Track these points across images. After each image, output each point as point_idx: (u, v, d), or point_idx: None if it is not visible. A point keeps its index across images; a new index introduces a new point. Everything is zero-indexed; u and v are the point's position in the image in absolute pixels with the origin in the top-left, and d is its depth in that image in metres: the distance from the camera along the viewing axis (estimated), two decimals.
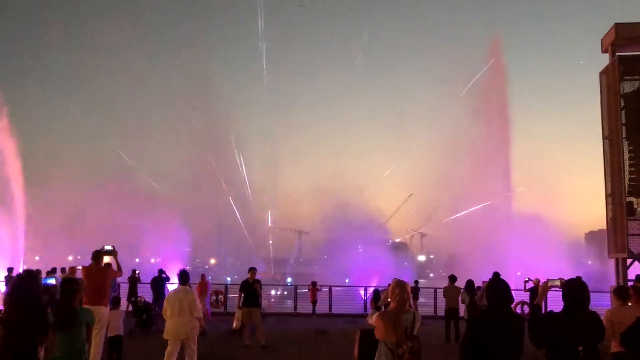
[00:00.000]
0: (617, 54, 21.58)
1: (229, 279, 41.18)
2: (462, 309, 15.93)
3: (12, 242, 31.91)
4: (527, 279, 19.42)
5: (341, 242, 50.01)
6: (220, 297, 24.45)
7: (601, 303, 14.57)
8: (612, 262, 21.76)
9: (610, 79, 21.46)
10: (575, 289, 4.95)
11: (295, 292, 25.22)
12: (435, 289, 22.77)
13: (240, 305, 14.29)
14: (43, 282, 13.33)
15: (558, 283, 5.37)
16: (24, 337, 5.62)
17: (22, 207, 34.46)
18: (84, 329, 5.96)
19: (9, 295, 6.14)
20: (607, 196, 21.49)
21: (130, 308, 18.87)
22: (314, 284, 24.77)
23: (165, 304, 9.86)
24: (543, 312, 5.34)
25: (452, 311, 15.93)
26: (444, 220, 52.67)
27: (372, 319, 5.75)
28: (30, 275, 6.34)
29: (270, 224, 65.44)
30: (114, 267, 10.70)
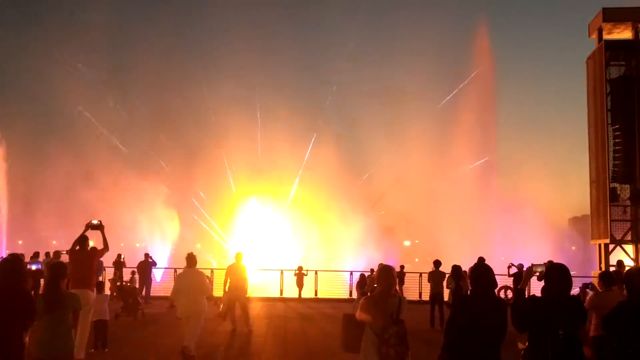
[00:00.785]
0: (604, 39, 21.65)
1: (214, 262, 41.18)
2: (447, 294, 16.06)
3: None
4: (510, 264, 19.61)
5: (328, 225, 50.16)
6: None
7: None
8: (594, 247, 22.05)
9: (596, 64, 21.58)
10: (557, 274, 4.99)
11: (282, 277, 25.27)
12: (421, 274, 22.92)
13: (227, 289, 14.29)
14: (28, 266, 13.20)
15: (543, 268, 5.41)
16: (9, 322, 5.57)
17: (4, 191, 34.09)
18: (70, 313, 5.92)
19: None
20: (591, 182, 21.71)
21: (116, 293, 18.80)
22: (300, 268, 24.83)
23: (175, 284, 10.47)
24: (526, 296, 5.39)
25: (437, 296, 16.05)
26: (430, 206, 52.95)
27: (359, 304, 5.78)
28: (15, 259, 6.27)
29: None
30: (101, 241, 10.46)
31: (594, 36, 22.10)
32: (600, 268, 20.01)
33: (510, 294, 21.23)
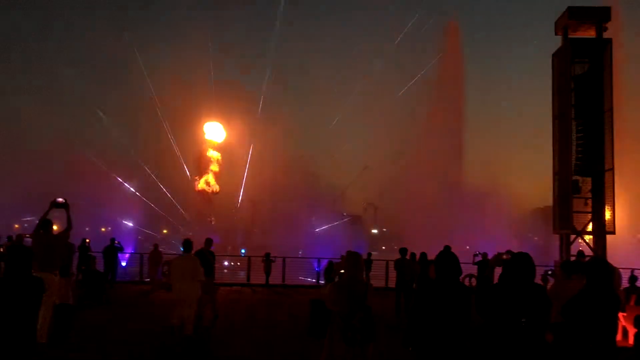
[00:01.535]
0: (569, 36, 22.07)
1: (182, 248, 40.87)
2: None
3: None
4: (476, 253, 19.94)
5: (295, 213, 50.21)
6: None
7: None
8: (556, 237, 22.57)
9: (561, 61, 21.97)
10: (521, 263, 5.12)
11: (249, 263, 25.25)
12: (387, 261, 23.17)
13: None
14: None
15: (508, 256, 5.55)
16: None
17: None
18: (34, 297, 5.83)
19: None
20: (554, 174, 22.17)
21: (80, 277, 18.53)
22: (267, 255, 24.83)
23: (170, 269, 11.03)
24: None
25: (402, 283, 16.26)
26: (397, 195, 53.46)
27: (326, 290, 5.85)
28: None
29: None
30: (65, 221, 10.28)
31: (560, 34, 22.50)
32: (562, 258, 20.53)
33: (474, 281, 21.64)
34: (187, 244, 11.23)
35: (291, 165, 52.09)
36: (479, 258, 19.62)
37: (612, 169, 20.84)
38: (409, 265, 16.42)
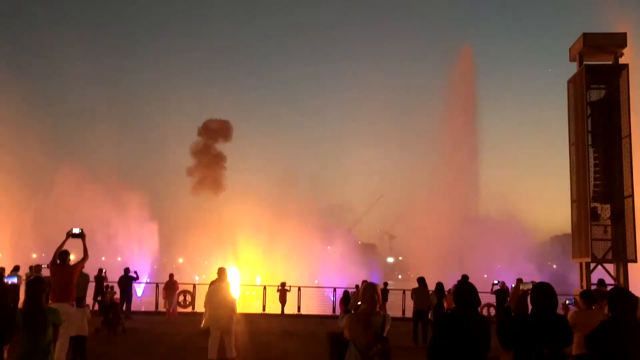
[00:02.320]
0: (584, 63, 22.05)
1: (197, 277, 40.77)
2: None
3: None
4: (495, 282, 19.70)
5: (310, 242, 50.06)
6: (188, 296, 24.22)
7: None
8: (576, 265, 22.22)
9: (577, 87, 21.92)
10: (543, 293, 5.04)
11: (264, 292, 25.12)
12: (404, 291, 22.93)
13: (209, 309, 14.07)
14: (6, 280, 13.00)
15: (529, 286, 5.46)
16: None
17: None
18: (50, 328, 5.84)
19: None
20: (572, 201, 21.94)
21: (97, 307, 18.55)
22: (283, 284, 24.72)
23: (206, 297, 11.36)
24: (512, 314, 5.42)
25: (420, 313, 16.05)
26: (413, 223, 53.17)
27: (343, 322, 5.77)
28: None
29: None
30: (82, 250, 10.30)
31: (575, 60, 22.51)
32: (582, 286, 20.16)
33: (493, 311, 21.30)
34: (222, 272, 11.62)
35: (306, 193, 52.17)
36: (497, 287, 19.38)
37: (631, 196, 20.57)
38: (426, 294, 16.23)
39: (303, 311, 24.43)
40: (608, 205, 20.92)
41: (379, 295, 5.86)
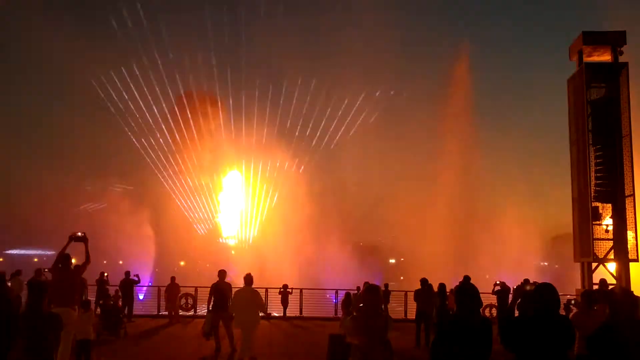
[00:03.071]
0: (584, 61, 22.00)
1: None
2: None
3: None
4: (496, 282, 19.69)
5: (310, 244, 50.07)
6: (190, 299, 24.19)
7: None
8: (577, 265, 22.18)
9: (577, 86, 21.88)
10: (546, 294, 5.02)
11: (266, 295, 25.07)
12: (406, 292, 22.90)
13: (211, 308, 14.16)
14: None
15: (532, 287, 5.45)
16: None
17: None
18: (52, 333, 5.83)
19: None
20: (573, 201, 21.90)
21: (99, 311, 18.54)
22: (284, 286, 24.70)
23: (233, 301, 12.28)
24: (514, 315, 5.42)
25: (423, 314, 16.02)
26: (415, 224, 53.14)
27: (345, 324, 5.77)
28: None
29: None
30: (84, 254, 10.31)
31: (575, 59, 22.45)
32: (584, 287, 20.12)
33: (494, 311, 21.29)
34: (248, 278, 12.24)
35: (309, 197, 52.14)
36: (498, 287, 19.38)
37: (632, 195, 20.53)
38: (429, 296, 16.21)
39: (305, 313, 24.38)
40: (609, 205, 20.88)
41: (381, 296, 5.87)
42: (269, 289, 25.46)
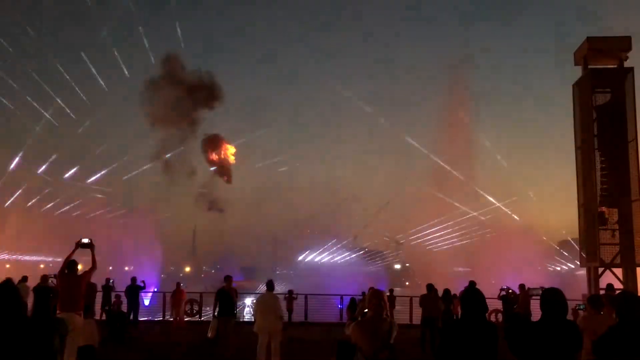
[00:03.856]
0: (589, 66, 22.01)
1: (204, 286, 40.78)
2: None
3: None
4: (504, 287, 19.63)
5: (317, 249, 50.04)
6: (195, 305, 24.21)
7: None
8: (584, 270, 22.10)
9: (582, 91, 21.88)
10: (552, 299, 5.00)
11: None
12: (411, 297, 22.84)
13: (216, 314, 14.14)
14: None
15: (539, 292, 5.44)
16: (6, 350, 5.48)
17: None
18: (57, 338, 5.84)
19: None
20: (579, 206, 21.84)
21: (104, 317, 18.59)
22: (289, 292, 24.68)
23: (255, 306, 12.75)
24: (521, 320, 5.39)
25: (428, 320, 15.96)
26: (420, 230, 53.08)
27: (350, 329, 5.76)
28: (11, 286, 6.13)
29: None
30: (90, 260, 10.33)
31: (580, 64, 22.47)
32: (590, 292, 20.03)
33: (500, 317, 21.21)
34: (270, 283, 12.62)
35: (312, 199, 52.12)
36: (504, 293, 19.31)
37: (639, 199, 20.47)
38: (434, 301, 16.16)
39: (310, 319, 24.35)
40: (615, 209, 20.82)
41: (386, 301, 5.86)
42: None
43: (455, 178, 49.97)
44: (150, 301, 27.36)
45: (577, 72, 22.71)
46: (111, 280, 21.55)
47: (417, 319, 19.14)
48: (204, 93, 55.87)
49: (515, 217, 47.39)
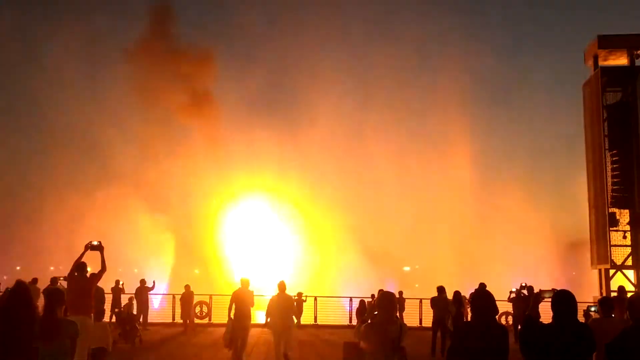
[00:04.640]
0: (599, 65, 21.85)
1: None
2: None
3: None
4: (515, 289, 19.49)
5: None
6: (205, 307, 24.22)
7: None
8: (595, 272, 21.96)
9: (592, 91, 21.74)
10: (564, 301, 4.96)
11: None
12: (421, 300, 22.74)
13: (232, 316, 13.99)
14: None
15: (551, 294, 5.38)
16: (17, 352, 5.48)
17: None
18: (67, 341, 5.85)
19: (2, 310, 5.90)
20: (590, 207, 21.71)
21: (114, 319, 18.62)
22: (299, 294, 24.61)
23: (268, 307, 12.97)
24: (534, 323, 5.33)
25: (439, 322, 15.87)
26: (430, 231, 52.80)
27: (359, 331, 5.74)
28: (25, 289, 6.13)
29: None
30: (99, 262, 10.33)
31: (590, 63, 22.32)
32: (601, 293, 19.88)
33: (510, 319, 21.07)
34: (282, 284, 12.96)
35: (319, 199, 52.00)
36: (514, 295, 19.18)
37: None
38: (445, 303, 16.07)
39: (319, 321, 24.30)
40: (626, 211, 20.68)
41: (395, 304, 5.82)
42: None
43: (461, 176, 49.68)
44: (159, 303, 27.41)
45: (587, 71, 22.57)
46: (121, 282, 21.61)
47: (427, 321, 19.06)
48: None
49: (524, 217, 46.97)
